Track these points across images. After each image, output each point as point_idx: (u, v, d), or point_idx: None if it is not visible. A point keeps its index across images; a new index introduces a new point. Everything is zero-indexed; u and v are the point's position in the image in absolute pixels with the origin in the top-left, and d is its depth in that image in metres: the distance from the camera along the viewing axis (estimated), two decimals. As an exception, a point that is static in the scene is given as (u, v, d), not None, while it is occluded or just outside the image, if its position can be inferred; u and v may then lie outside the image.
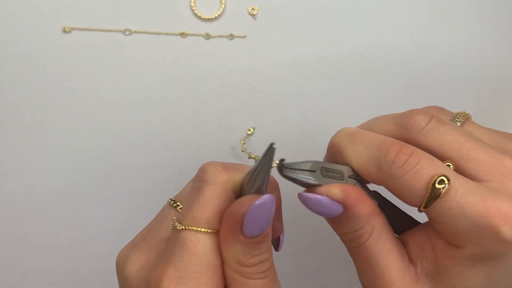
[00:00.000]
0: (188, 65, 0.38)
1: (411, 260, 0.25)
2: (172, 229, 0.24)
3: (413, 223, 0.27)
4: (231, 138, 0.39)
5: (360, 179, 0.25)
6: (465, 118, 0.26)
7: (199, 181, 0.24)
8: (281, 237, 0.28)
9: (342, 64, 0.39)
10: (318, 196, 0.24)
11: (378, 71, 0.40)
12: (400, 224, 0.27)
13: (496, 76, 0.41)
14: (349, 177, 0.25)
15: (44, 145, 0.38)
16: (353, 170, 0.25)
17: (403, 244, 0.25)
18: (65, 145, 0.38)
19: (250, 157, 0.37)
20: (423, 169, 0.22)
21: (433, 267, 0.24)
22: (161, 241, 0.25)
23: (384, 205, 0.26)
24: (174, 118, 0.39)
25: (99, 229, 0.40)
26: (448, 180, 0.22)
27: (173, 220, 0.24)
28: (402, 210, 0.27)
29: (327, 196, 0.24)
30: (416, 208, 0.23)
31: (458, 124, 0.26)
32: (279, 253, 0.42)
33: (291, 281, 0.42)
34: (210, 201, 0.23)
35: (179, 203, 0.26)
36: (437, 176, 0.22)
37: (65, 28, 0.37)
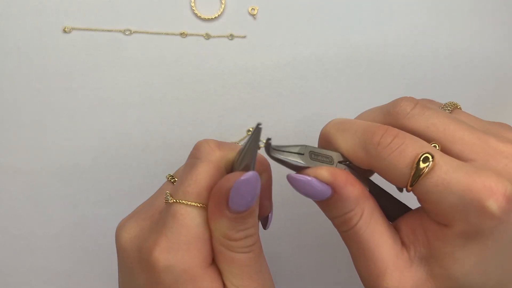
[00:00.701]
0: (188, 65, 0.38)
1: (404, 244, 0.25)
2: (165, 202, 0.25)
3: (406, 209, 0.27)
4: (231, 138, 0.39)
5: (351, 165, 0.26)
6: (454, 107, 0.27)
7: (193, 158, 0.25)
8: (269, 216, 0.29)
9: (342, 64, 0.39)
10: (308, 177, 0.24)
11: (378, 71, 0.40)
12: (393, 211, 0.27)
13: (496, 76, 0.42)
14: (339, 162, 0.26)
15: (44, 145, 0.38)
16: (343, 156, 0.25)
17: (396, 230, 0.26)
18: (65, 145, 0.38)
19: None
20: (408, 148, 0.23)
21: (426, 250, 0.24)
22: (156, 213, 0.26)
23: (376, 192, 0.26)
24: (174, 118, 0.39)
25: (99, 229, 0.40)
26: (433, 157, 0.22)
27: (166, 194, 0.25)
28: (394, 197, 0.27)
29: (315, 177, 0.24)
30: (408, 194, 0.24)
31: (447, 112, 0.26)
32: (280, 253, 0.42)
33: (292, 281, 0.42)
34: (202, 177, 0.24)
35: (176, 179, 0.27)
36: (421, 154, 0.22)
37: (65, 28, 0.37)
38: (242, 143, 0.39)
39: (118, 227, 0.27)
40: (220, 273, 0.24)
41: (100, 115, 0.38)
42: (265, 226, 0.29)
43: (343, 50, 0.39)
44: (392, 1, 0.39)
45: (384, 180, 0.25)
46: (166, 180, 0.28)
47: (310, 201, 0.41)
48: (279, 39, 0.39)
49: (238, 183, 0.22)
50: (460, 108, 0.27)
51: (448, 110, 0.26)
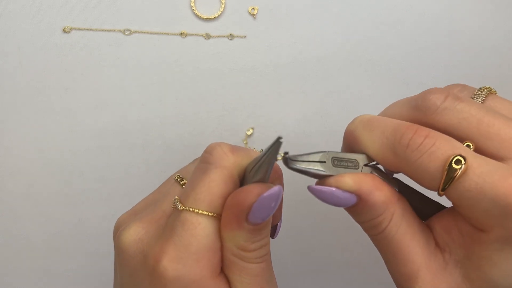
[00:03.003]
0: (188, 65, 0.38)
1: (438, 245, 0.24)
2: (173, 208, 0.24)
3: (439, 208, 0.25)
4: (231, 138, 0.39)
5: (377, 167, 0.24)
6: (488, 92, 0.25)
7: (205, 162, 0.24)
8: (278, 225, 0.28)
9: (342, 64, 0.39)
10: (330, 188, 0.23)
11: (378, 71, 0.40)
12: (425, 210, 0.25)
13: (497, 76, 0.41)
14: (365, 165, 0.24)
15: (44, 145, 0.38)
16: (369, 158, 0.24)
17: (430, 230, 0.24)
18: (65, 145, 0.38)
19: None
20: (439, 150, 0.21)
21: (462, 252, 0.23)
22: (163, 216, 0.25)
23: (406, 192, 0.25)
24: (174, 118, 0.39)
25: (99, 229, 0.40)
26: (465, 159, 0.21)
27: (175, 200, 0.24)
28: (425, 196, 0.26)
29: (337, 187, 0.23)
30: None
31: (479, 100, 0.24)
32: (280, 254, 0.42)
33: (292, 281, 0.42)
34: (215, 185, 0.23)
35: (185, 180, 0.26)
36: (453, 156, 0.21)
37: (65, 28, 0.37)
38: (246, 143, 0.39)
39: (118, 225, 0.26)
40: (228, 283, 0.24)
41: (100, 115, 0.38)
42: (273, 235, 0.28)
43: (343, 50, 0.39)
44: (392, 1, 0.39)
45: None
46: (172, 178, 0.27)
47: (310, 206, 0.40)
48: (279, 39, 0.39)
49: (263, 199, 0.21)
50: (495, 93, 0.25)
51: (481, 97, 0.25)
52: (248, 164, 0.24)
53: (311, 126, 0.40)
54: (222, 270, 0.24)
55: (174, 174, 0.27)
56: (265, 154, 0.22)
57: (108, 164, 0.39)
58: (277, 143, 0.21)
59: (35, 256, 0.40)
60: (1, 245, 0.39)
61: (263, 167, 0.22)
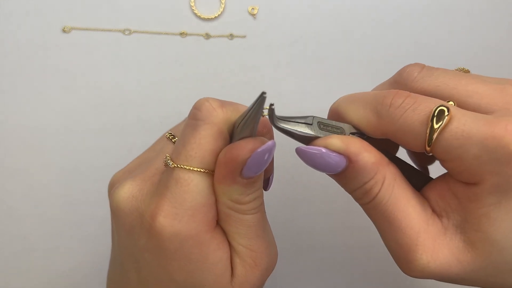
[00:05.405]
0: (188, 65, 0.38)
1: (434, 212, 0.23)
2: (164, 166, 0.24)
3: (428, 179, 0.25)
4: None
5: (364, 137, 0.24)
6: (463, 71, 0.26)
7: (194, 119, 0.23)
8: (270, 178, 0.28)
9: (342, 64, 0.39)
10: (319, 148, 0.23)
11: (378, 71, 0.40)
12: (415, 182, 0.24)
13: (497, 76, 0.41)
14: (351, 133, 0.24)
15: (44, 145, 0.38)
16: (355, 128, 0.24)
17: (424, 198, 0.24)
18: (65, 145, 0.38)
19: None
20: (421, 105, 0.21)
21: (460, 215, 0.22)
22: (156, 173, 0.25)
23: (395, 163, 0.24)
24: (174, 118, 0.39)
25: (99, 229, 0.40)
26: (448, 110, 0.21)
27: (166, 157, 0.23)
28: (415, 167, 0.25)
29: (326, 147, 0.22)
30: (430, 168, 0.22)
31: None
32: (280, 254, 0.42)
33: (291, 282, 0.42)
34: (205, 141, 0.23)
35: (177, 138, 0.26)
36: (436, 107, 0.21)
37: (64, 28, 0.37)
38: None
39: (112, 184, 0.26)
40: (225, 235, 0.24)
41: (100, 115, 0.38)
42: (266, 187, 0.28)
43: (343, 50, 0.39)
44: (392, 2, 0.39)
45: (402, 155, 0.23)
46: (164, 136, 0.27)
47: (309, 201, 0.40)
48: (279, 38, 0.39)
49: (257, 154, 0.22)
50: (469, 73, 0.26)
51: None
52: (237, 119, 0.24)
53: (311, 126, 0.40)
54: (218, 223, 0.24)
55: (166, 132, 0.27)
56: (250, 110, 0.22)
57: (108, 164, 0.39)
58: (261, 98, 0.20)
59: (35, 256, 0.40)
60: (1, 245, 0.39)
61: (250, 123, 0.22)
